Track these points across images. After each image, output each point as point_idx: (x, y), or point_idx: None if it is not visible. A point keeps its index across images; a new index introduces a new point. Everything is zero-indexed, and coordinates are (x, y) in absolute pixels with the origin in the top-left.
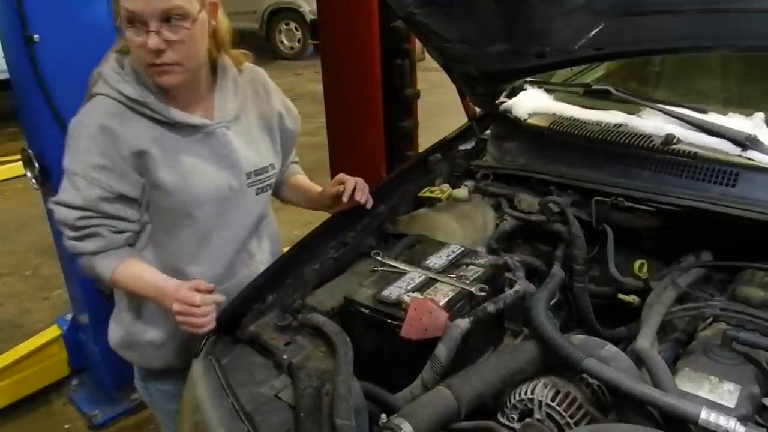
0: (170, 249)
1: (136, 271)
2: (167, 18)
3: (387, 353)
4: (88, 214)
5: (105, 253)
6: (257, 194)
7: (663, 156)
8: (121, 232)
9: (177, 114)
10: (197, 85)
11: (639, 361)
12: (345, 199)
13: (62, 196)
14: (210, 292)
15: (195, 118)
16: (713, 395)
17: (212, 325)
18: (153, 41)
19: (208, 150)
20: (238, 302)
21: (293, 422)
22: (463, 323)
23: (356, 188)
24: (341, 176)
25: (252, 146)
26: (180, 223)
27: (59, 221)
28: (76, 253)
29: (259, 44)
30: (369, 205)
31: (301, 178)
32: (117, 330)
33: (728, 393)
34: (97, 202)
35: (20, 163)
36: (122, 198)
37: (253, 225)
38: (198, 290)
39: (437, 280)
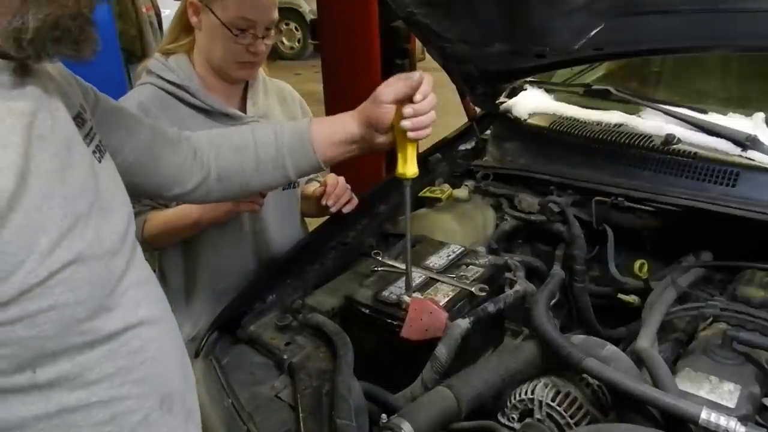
0: (198, 238)
1: (164, 213)
2: (270, 27)
3: (387, 353)
4: None
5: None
6: (284, 189)
7: (663, 156)
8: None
9: (215, 102)
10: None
11: (639, 361)
12: (323, 203)
13: None
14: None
15: (231, 109)
16: (713, 395)
17: None
18: (262, 46)
19: None
20: (238, 302)
21: (293, 422)
22: (463, 323)
23: (333, 195)
24: (327, 179)
25: None
26: None
27: None
28: None
29: None
30: (347, 209)
31: (309, 188)
32: None
33: (728, 393)
34: None
35: None
36: None
37: (278, 220)
38: None
39: (437, 280)
